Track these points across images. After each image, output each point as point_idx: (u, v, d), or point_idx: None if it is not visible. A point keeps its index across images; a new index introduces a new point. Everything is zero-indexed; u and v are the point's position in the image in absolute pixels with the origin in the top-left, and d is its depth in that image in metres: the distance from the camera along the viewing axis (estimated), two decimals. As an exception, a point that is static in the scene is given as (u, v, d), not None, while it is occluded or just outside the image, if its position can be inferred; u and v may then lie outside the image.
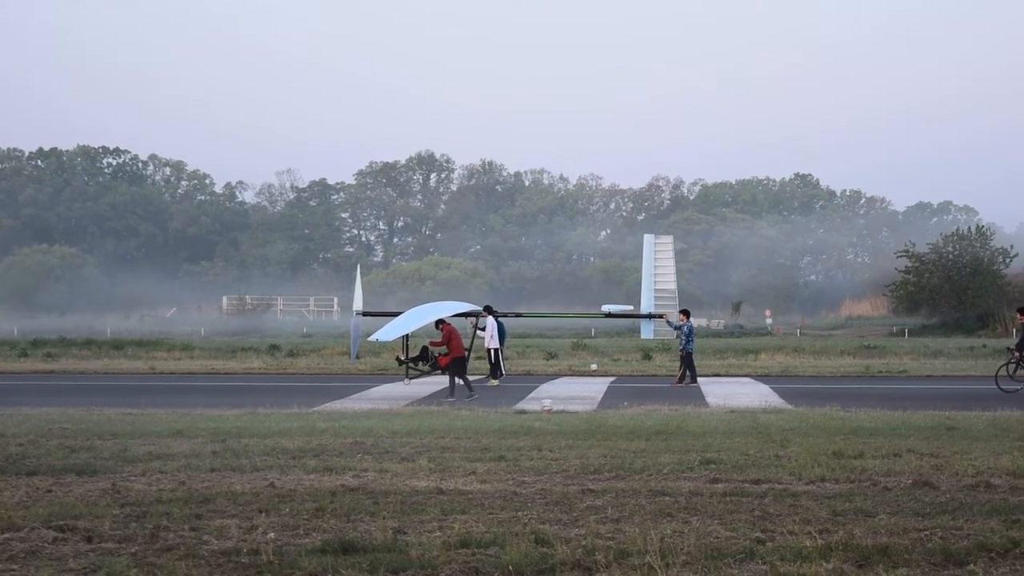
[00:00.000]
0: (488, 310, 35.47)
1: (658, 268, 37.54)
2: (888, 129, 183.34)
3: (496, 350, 34.52)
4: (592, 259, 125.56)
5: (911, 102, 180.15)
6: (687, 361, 33.45)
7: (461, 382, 28.95)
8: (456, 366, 29.20)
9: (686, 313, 34.60)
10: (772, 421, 21.05)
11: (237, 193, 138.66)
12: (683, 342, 33.63)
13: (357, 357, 40.36)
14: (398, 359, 34.35)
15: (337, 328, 73.57)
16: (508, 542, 10.55)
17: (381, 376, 37.28)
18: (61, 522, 11.57)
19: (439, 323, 30.49)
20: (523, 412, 23.57)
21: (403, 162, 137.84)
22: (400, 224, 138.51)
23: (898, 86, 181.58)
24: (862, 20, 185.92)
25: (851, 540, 10.67)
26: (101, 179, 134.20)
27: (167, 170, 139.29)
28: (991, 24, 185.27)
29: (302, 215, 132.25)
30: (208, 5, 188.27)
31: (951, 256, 77.47)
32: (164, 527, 11.42)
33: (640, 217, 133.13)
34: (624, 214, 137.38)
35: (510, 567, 9.88)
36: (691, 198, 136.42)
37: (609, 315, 39.41)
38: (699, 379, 33.74)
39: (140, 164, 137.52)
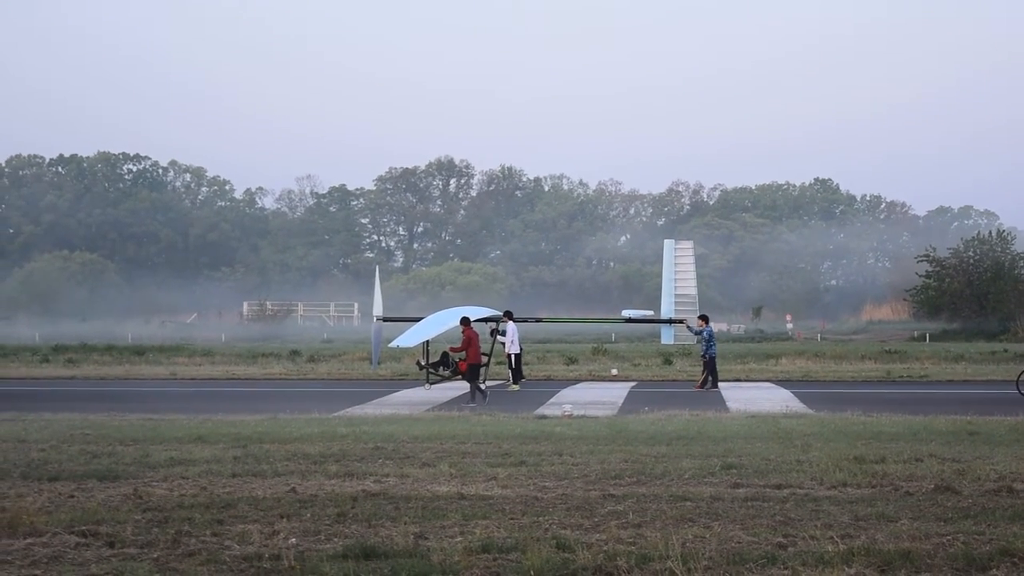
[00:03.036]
0: (508, 315, 35.46)
1: (678, 273, 37.52)
2: (908, 133, 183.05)
3: (517, 355, 34.55)
4: (612, 264, 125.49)
5: (932, 106, 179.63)
6: (710, 366, 33.42)
7: (476, 389, 29.00)
8: (470, 372, 29.23)
9: (704, 318, 34.56)
10: (793, 426, 20.97)
11: (257, 199, 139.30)
12: (704, 347, 33.60)
13: (379, 363, 40.44)
14: (419, 364, 34.38)
15: (357, 333, 73.75)
16: (529, 547, 10.52)
17: (402, 381, 37.29)
18: (83, 527, 11.57)
19: (464, 322, 30.49)
20: (544, 417, 23.51)
21: (423, 168, 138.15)
22: (420, 230, 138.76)
23: (919, 90, 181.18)
24: (883, 25, 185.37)
25: (873, 545, 10.62)
26: (121, 185, 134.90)
27: (187, 176, 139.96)
28: (1001, 26, 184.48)
29: (322, 221, 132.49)
30: (228, 13, 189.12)
31: (972, 260, 77.25)
32: (186, 532, 11.42)
33: (660, 222, 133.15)
34: (644, 219, 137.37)
35: (531, 572, 9.86)
36: (711, 203, 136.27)
37: (630, 320, 39.47)
38: (720, 384, 33.69)
39: (160, 170, 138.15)
